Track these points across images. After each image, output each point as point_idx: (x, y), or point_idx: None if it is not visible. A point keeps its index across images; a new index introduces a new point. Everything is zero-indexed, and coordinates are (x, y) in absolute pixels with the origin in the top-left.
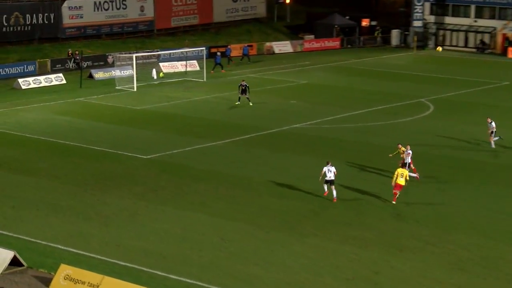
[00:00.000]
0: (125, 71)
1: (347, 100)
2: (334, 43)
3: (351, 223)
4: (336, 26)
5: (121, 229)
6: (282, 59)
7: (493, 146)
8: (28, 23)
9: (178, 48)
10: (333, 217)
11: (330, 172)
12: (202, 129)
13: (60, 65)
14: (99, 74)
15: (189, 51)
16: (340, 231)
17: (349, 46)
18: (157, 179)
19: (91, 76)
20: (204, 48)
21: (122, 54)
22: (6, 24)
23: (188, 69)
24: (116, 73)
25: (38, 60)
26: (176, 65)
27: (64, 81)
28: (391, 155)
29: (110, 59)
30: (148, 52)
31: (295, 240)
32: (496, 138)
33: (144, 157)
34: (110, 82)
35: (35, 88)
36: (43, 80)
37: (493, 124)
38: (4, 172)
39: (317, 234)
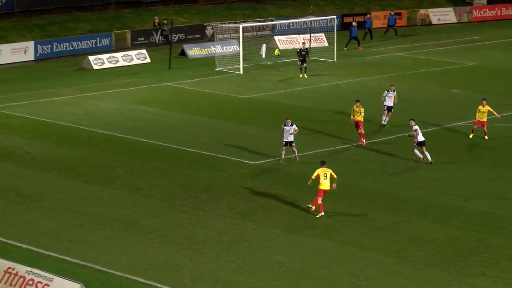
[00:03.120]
0: (228, 47)
1: None
2: None
3: None
4: None
5: (220, 259)
6: (442, 33)
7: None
8: None
9: (300, 17)
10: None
11: (288, 132)
12: (330, 126)
13: (143, 39)
14: (194, 51)
15: (314, 20)
16: None
17: None
18: (269, 193)
19: (183, 54)
20: (335, 16)
21: (225, 24)
22: None
23: (313, 44)
24: (217, 49)
25: (115, 31)
26: (297, 39)
27: (148, 60)
28: None
29: (209, 31)
30: (259, 21)
31: (455, 280)
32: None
33: (253, 163)
34: (208, 62)
35: (111, 68)
36: (121, 58)
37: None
38: (70, 180)
39: (487, 273)
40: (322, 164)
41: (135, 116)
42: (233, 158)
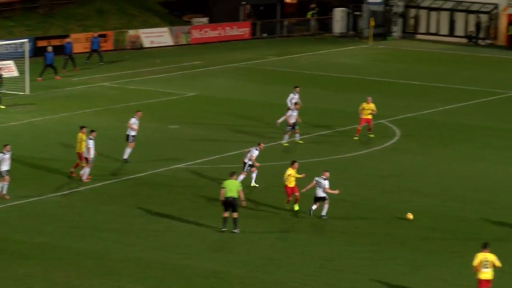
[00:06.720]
0: None
1: (266, 122)
2: (241, 30)
3: None
4: (243, 2)
5: None
6: (156, 58)
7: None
8: None
9: None
10: None
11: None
12: (23, 175)
13: None
14: None
15: (0, 45)
16: None
17: (265, 35)
18: None
19: None
20: (26, 40)
21: None
22: None
23: None
24: None
25: None
26: None
27: None
28: None
29: None
30: None
31: None
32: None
33: None
34: None
35: None
36: None
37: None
38: None
39: None
40: None
41: None
42: None
